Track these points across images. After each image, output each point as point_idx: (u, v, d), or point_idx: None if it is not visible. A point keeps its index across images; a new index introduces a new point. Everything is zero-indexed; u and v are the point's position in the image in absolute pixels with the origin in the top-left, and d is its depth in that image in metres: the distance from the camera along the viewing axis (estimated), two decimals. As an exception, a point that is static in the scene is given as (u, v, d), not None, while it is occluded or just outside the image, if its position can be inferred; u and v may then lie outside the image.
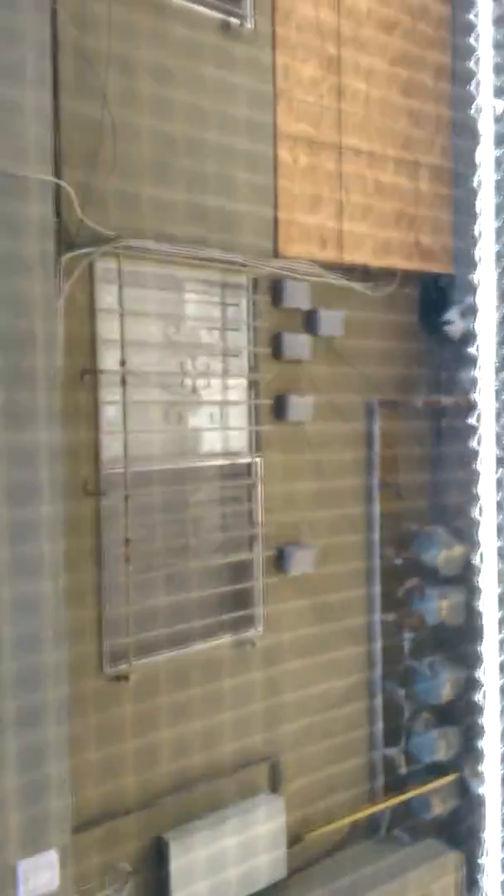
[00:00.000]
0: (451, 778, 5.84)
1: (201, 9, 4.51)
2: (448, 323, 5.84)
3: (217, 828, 4.51)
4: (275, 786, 5.01)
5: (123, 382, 4.30)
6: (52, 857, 3.39)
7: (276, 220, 4.93)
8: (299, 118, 5.00)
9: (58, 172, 3.85)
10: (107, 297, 4.28)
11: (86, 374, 4.15)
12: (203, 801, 4.63)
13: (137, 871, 4.31)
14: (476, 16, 4.48)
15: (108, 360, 4.28)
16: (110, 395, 4.28)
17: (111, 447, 4.29)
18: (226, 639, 4.78)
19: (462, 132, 5.64)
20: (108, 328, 4.27)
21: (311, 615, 5.25)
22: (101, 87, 4.06)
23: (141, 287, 4.46)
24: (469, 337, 5.57)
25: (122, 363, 4.30)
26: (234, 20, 4.66)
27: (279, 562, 5.06)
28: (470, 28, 4.81)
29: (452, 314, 5.86)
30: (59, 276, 3.92)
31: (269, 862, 4.72)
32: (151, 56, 4.31)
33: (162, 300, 4.60)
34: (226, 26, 4.63)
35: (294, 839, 5.03)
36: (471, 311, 5.57)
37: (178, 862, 4.30)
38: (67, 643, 3.60)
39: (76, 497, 4.05)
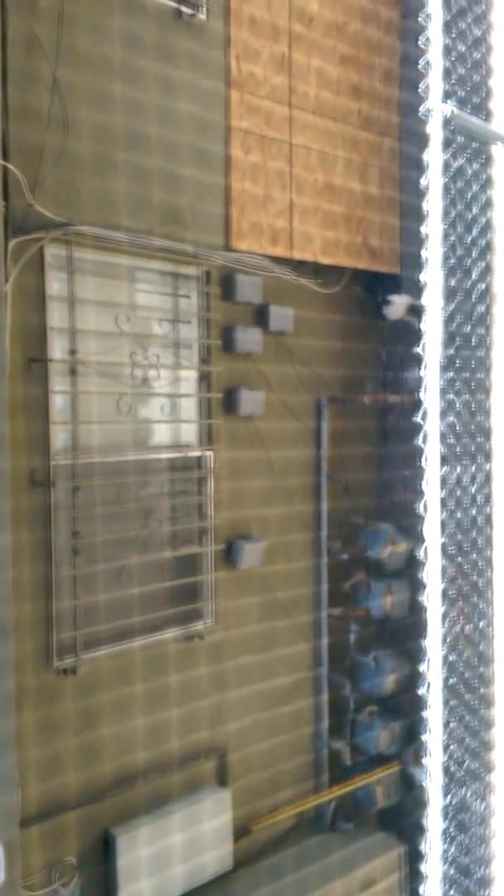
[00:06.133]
0: (394, 770, 5.93)
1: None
2: (387, 303, 5.89)
3: (164, 821, 4.47)
4: (222, 779, 5.00)
5: (73, 372, 4.24)
6: (-2, 851, 3.32)
7: (227, 214, 4.93)
8: (251, 112, 5.02)
9: (5, 158, 3.79)
10: (56, 284, 4.21)
11: (34, 363, 4.08)
12: (150, 796, 4.58)
13: (84, 866, 4.25)
14: (425, 20, 4.55)
15: (57, 349, 4.22)
16: (59, 384, 4.21)
17: (60, 438, 4.23)
18: (174, 632, 4.75)
19: (409, 137, 5.75)
20: (57, 316, 4.20)
21: (258, 608, 5.26)
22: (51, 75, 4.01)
23: (92, 275, 4.40)
24: (414, 316, 5.61)
25: (73, 352, 4.24)
26: (186, 10, 4.66)
27: (228, 555, 5.05)
28: (419, 32, 4.88)
29: (393, 297, 5.91)
30: (6, 261, 3.84)
31: (216, 855, 4.70)
32: (105, 48, 4.28)
33: (113, 289, 4.54)
34: (178, 14, 4.62)
35: (241, 832, 5.03)
36: (414, 292, 5.59)
37: (126, 856, 4.25)
38: (13, 637, 3.51)
39: (22, 489, 3.97)
